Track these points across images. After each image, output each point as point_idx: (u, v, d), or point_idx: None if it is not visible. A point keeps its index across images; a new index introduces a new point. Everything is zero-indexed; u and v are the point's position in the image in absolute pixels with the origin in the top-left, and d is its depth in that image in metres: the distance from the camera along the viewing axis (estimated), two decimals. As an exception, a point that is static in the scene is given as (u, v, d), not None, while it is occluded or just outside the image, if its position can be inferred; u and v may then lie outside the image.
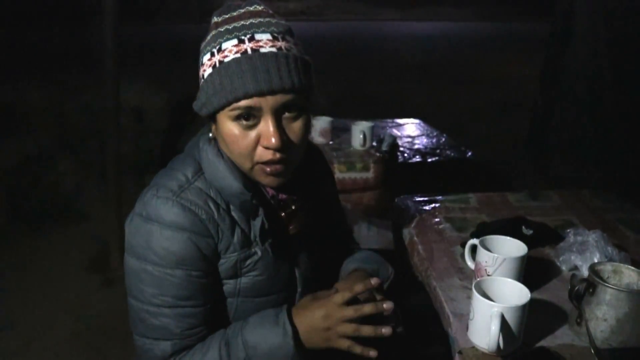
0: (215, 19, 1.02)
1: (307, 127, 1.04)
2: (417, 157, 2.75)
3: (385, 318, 1.08)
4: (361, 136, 2.56)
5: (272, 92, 0.96)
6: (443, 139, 3.02)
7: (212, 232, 1.04)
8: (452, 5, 17.59)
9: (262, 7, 1.02)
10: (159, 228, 1.02)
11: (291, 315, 1.05)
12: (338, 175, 2.41)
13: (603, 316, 1.08)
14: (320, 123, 2.69)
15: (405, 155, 2.76)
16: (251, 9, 1.01)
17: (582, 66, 3.11)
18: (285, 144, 0.99)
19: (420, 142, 2.97)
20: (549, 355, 1.06)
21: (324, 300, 1.04)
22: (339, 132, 2.78)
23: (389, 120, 3.41)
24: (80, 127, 4.05)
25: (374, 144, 2.61)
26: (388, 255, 2.12)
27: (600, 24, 2.94)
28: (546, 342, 1.12)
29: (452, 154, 2.82)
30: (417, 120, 3.44)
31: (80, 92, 4.19)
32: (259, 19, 0.99)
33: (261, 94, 0.95)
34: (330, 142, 2.68)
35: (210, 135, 1.08)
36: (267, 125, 0.98)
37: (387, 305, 1.03)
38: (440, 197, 1.88)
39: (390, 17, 16.99)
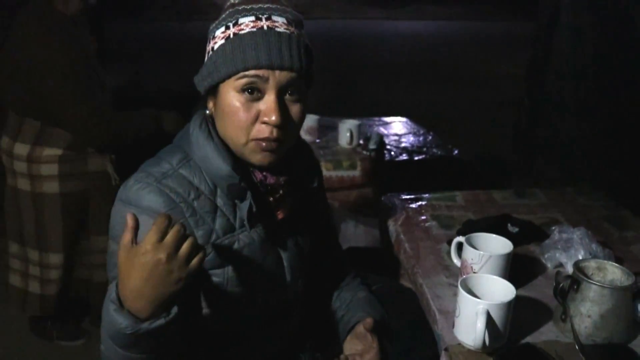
0: (231, 1, 1.06)
1: (304, 114, 1.07)
2: (404, 155, 2.76)
3: None
4: (348, 134, 2.56)
5: (281, 68, 0.99)
6: (430, 137, 3.03)
7: (190, 220, 1.04)
8: (437, 4, 17.67)
9: None
10: (135, 212, 1.01)
11: None
12: (325, 173, 2.41)
13: (587, 312, 1.10)
14: (307, 121, 2.68)
15: (392, 153, 2.76)
16: None
17: (567, 65, 3.13)
18: (283, 123, 1.02)
19: (407, 141, 2.98)
20: (534, 352, 1.07)
21: None
22: (326, 130, 2.77)
23: (376, 119, 3.41)
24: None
25: (361, 142, 2.61)
26: (375, 253, 2.13)
27: (586, 23, 2.97)
28: (531, 339, 1.13)
29: (439, 152, 2.83)
30: (403, 119, 3.45)
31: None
32: (277, 5, 1.04)
33: (271, 67, 0.99)
34: (317, 140, 2.67)
35: (207, 112, 1.10)
36: (269, 101, 1.01)
37: None
38: (426, 195, 1.88)
39: (376, 16, 17.04)
